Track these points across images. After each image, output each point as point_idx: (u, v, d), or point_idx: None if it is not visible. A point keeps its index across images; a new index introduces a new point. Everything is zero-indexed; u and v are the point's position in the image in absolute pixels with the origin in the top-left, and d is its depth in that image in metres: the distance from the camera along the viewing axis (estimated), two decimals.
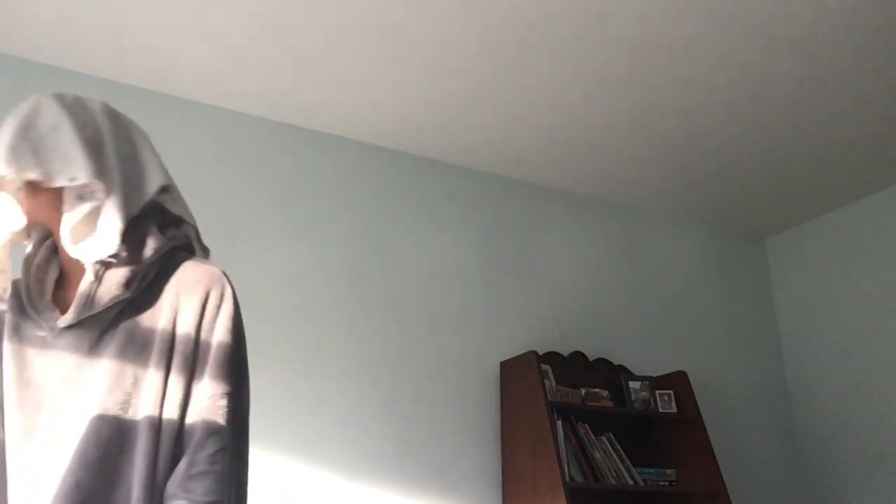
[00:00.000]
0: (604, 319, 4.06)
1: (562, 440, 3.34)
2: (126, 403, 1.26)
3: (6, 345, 1.35)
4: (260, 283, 3.28)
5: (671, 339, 4.23)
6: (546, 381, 3.52)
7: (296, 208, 3.47)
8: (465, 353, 3.62)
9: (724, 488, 3.54)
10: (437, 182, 3.87)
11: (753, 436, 4.27)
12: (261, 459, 3.03)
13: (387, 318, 3.50)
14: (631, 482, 3.48)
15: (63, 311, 1.34)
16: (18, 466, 1.28)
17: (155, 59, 3.15)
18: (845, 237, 4.41)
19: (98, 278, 1.29)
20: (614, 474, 3.46)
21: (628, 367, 3.97)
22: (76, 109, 1.35)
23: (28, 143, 1.28)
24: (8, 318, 1.36)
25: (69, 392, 1.28)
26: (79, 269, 1.36)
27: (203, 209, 3.23)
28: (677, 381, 3.83)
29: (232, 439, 1.29)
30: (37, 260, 1.39)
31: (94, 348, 1.29)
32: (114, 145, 1.35)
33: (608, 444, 3.56)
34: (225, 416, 1.28)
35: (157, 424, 1.25)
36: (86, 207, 1.30)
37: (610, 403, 3.65)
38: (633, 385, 3.76)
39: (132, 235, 1.33)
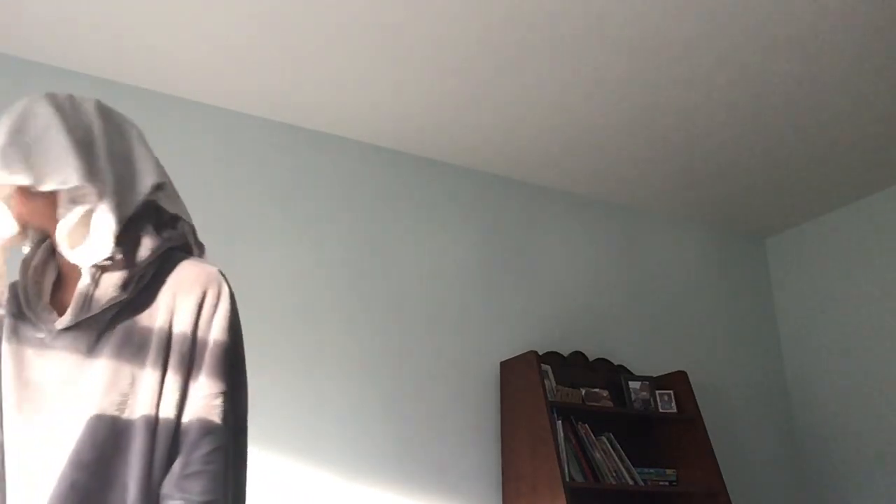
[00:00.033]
0: (604, 319, 4.06)
1: (562, 440, 3.34)
2: (123, 404, 1.26)
3: (5, 346, 1.35)
4: (260, 283, 3.28)
5: (671, 339, 4.23)
6: (546, 381, 3.52)
7: (296, 208, 3.47)
8: (465, 353, 3.62)
9: (724, 488, 3.54)
10: (437, 182, 3.87)
11: (753, 436, 4.27)
12: (261, 459, 3.03)
13: (387, 318, 3.50)
14: (631, 482, 3.48)
15: (61, 313, 1.34)
16: (17, 466, 1.29)
17: (155, 59, 3.15)
18: (845, 237, 4.41)
19: (94, 281, 1.29)
20: (614, 474, 3.46)
21: (628, 367, 3.97)
22: (68, 110, 1.34)
23: (18, 147, 1.27)
24: (6, 319, 1.36)
25: (67, 392, 1.28)
26: (76, 270, 1.36)
27: (203, 209, 3.24)
28: (677, 381, 3.83)
29: (228, 438, 1.29)
30: (34, 262, 1.39)
31: (91, 349, 1.29)
32: (106, 145, 1.34)
33: (608, 444, 3.56)
34: (220, 416, 1.28)
35: (153, 424, 1.25)
36: (79, 211, 1.30)
37: (610, 403, 3.65)
38: (633, 385, 3.76)
39: (127, 237, 1.32)
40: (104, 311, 1.30)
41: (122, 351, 1.28)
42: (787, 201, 4.40)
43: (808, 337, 4.49)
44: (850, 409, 4.21)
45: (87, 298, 1.28)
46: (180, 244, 1.41)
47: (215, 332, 1.32)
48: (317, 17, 2.95)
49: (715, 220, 4.62)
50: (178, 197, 1.44)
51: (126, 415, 1.26)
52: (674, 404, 3.76)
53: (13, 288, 1.39)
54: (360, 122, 3.59)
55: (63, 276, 1.39)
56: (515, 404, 3.48)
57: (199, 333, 1.31)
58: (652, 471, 3.62)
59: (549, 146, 3.82)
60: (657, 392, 3.78)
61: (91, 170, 1.30)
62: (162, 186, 1.39)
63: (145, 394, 1.27)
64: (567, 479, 3.21)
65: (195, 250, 1.45)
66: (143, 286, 1.33)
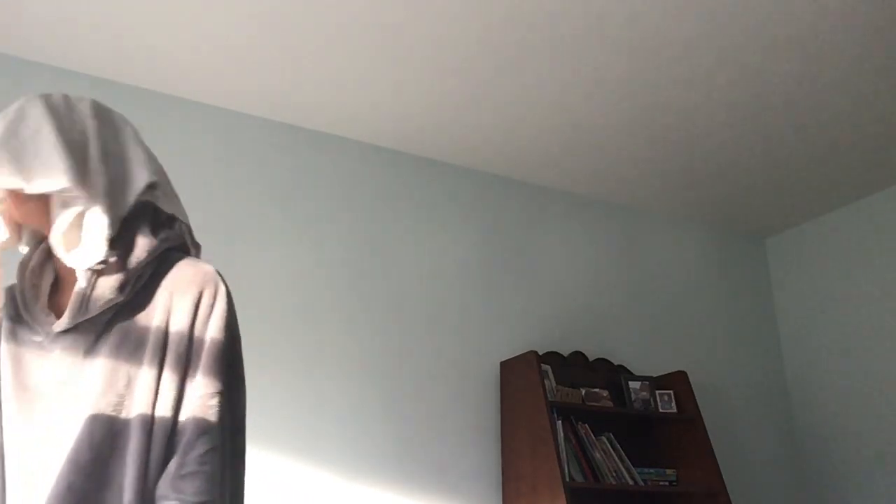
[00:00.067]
0: (604, 319, 4.06)
1: (562, 440, 3.34)
2: (119, 405, 1.26)
3: (3, 348, 1.35)
4: (260, 283, 3.28)
5: (671, 339, 4.23)
6: (546, 381, 3.52)
7: (296, 208, 3.47)
8: (465, 353, 3.62)
9: (724, 488, 3.54)
10: (437, 182, 3.87)
11: (753, 436, 4.27)
12: (261, 459, 3.03)
13: (387, 318, 3.50)
14: (631, 482, 3.49)
15: (59, 316, 1.34)
16: (16, 467, 1.29)
17: (155, 59, 3.15)
18: (845, 237, 4.41)
19: (91, 284, 1.28)
20: (614, 474, 3.46)
21: (628, 367, 3.97)
22: (62, 111, 1.33)
23: (8, 150, 1.26)
24: (4, 322, 1.36)
25: (65, 393, 1.28)
26: (73, 273, 1.35)
27: (203, 209, 3.24)
28: (677, 381, 3.83)
29: (224, 438, 1.28)
30: (32, 264, 1.38)
31: (90, 351, 1.29)
32: (99, 146, 1.33)
33: (608, 444, 3.56)
34: (216, 415, 1.27)
35: (149, 424, 1.25)
36: (72, 213, 1.29)
37: (610, 403, 3.65)
38: (633, 385, 3.76)
39: (123, 238, 1.32)
40: (102, 313, 1.30)
41: (120, 351, 1.28)
42: (787, 201, 4.40)
43: (808, 337, 4.48)
44: (850, 409, 4.21)
45: (84, 301, 1.28)
46: (177, 244, 1.41)
47: (212, 331, 1.32)
48: (317, 17, 2.95)
49: (715, 220, 4.62)
50: (176, 196, 1.43)
51: (123, 415, 1.25)
52: (674, 404, 3.76)
53: (11, 291, 1.38)
54: (360, 122, 3.59)
55: (60, 278, 1.39)
56: (515, 404, 3.48)
57: (196, 333, 1.31)
58: (652, 471, 3.62)
59: (549, 146, 3.82)
60: (657, 392, 3.78)
61: (82, 171, 1.29)
62: (156, 186, 1.38)
63: (142, 394, 1.26)
64: (567, 479, 3.21)
65: (192, 250, 1.45)
66: (140, 287, 1.32)
